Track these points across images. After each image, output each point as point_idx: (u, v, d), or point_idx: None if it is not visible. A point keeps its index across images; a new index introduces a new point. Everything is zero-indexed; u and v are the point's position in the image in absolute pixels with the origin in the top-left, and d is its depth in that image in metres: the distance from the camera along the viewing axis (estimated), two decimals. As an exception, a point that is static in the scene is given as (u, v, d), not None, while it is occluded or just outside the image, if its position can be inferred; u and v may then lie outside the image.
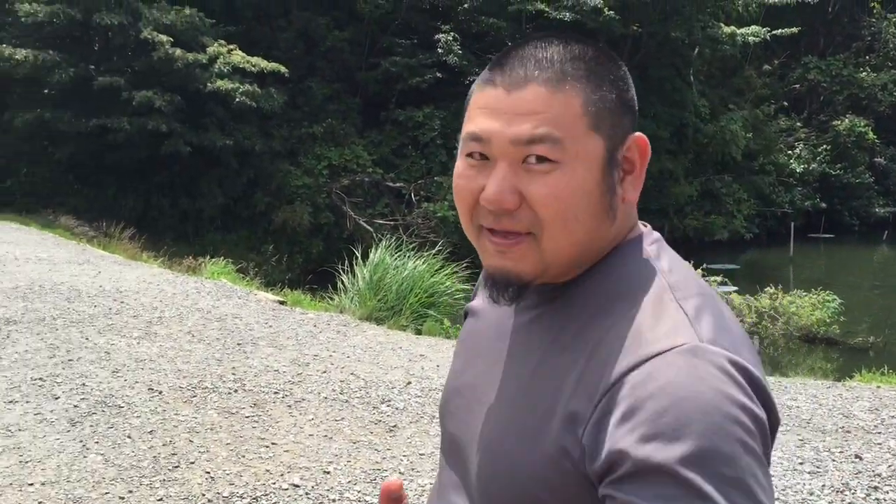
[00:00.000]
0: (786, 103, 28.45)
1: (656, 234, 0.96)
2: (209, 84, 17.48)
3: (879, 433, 4.59)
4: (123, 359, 5.41)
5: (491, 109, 0.88)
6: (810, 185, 26.40)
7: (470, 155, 0.89)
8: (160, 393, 4.72)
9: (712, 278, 12.81)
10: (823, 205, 26.20)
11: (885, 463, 4.08)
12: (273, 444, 4.06)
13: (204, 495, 3.44)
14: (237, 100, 17.59)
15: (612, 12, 19.64)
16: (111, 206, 18.25)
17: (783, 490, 3.71)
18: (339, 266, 8.55)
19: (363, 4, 20.90)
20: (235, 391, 4.84)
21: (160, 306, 7.12)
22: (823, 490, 3.72)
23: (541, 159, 0.85)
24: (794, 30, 23.50)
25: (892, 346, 11.50)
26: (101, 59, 17.91)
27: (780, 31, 23.00)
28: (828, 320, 11.52)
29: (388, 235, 11.05)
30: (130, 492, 3.45)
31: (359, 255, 8.47)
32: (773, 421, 0.80)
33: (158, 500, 3.39)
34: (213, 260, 10.59)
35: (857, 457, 4.16)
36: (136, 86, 17.08)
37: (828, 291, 12.24)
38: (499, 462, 0.88)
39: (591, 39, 0.95)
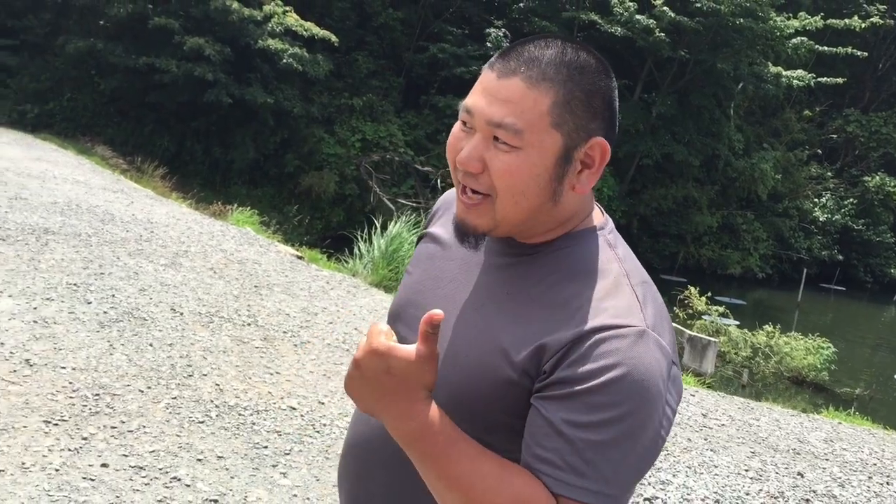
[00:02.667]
0: (820, 151, 28.54)
1: (612, 225, 1.18)
2: (260, 41, 17.88)
3: (827, 459, 4.97)
4: (150, 280, 5.86)
5: (483, 88, 1.07)
6: (830, 236, 26.51)
7: (464, 122, 1.10)
8: (181, 314, 5.17)
9: (714, 308, 13.14)
10: (840, 257, 26.29)
11: (823, 483, 4.47)
12: (277, 373, 4.49)
13: (212, 402, 3.88)
14: (284, 61, 17.98)
15: (662, 34, 19.87)
16: (146, 143, 18.72)
17: (722, 487, 4.10)
18: (359, 234, 8.98)
19: (421, -13, 21.27)
20: (248, 325, 5.28)
21: (186, 241, 7.57)
22: (759, 494, 4.11)
23: (502, 141, 1.05)
24: (840, 80, 23.64)
25: (876, 402, 11.71)
26: (159, -1, 18.36)
27: (825, 79, 23.14)
28: (819, 366, 11.76)
29: (410, 214, 11.44)
30: (149, 387, 3.89)
31: (378, 226, 8.89)
32: (678, 399, 1.10)
33: (172, 398, 3.83)
34: (241, 208, 11.03)
35: (799, 474, 4.55)
36: (189, 31, 17.50)
37: (824, 339, 12.47)
38: (468, 371, 1.09)
39: (590, 50, 1.09)
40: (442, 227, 1.30)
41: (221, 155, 19.38)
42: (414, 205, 19.32)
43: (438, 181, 20.55)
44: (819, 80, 22.92)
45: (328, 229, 19.17)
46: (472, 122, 1.08)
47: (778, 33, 21.93)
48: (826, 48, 23.63)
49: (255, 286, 6.45)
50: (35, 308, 4.76)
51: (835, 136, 29.07)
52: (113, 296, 5.27)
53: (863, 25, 23.10)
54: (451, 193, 1.33)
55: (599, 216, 1.17)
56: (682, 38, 20.81)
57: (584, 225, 1.14)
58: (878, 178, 27.02)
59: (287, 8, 18.79)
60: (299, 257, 8.27)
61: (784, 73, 22.54)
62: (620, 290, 1.07)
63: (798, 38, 22.86)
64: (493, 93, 1.06)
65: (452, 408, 1.06)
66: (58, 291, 5.15)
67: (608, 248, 1.13)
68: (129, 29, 18.39)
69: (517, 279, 1.13)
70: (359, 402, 1.05)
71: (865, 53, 24.27)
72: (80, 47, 17.72)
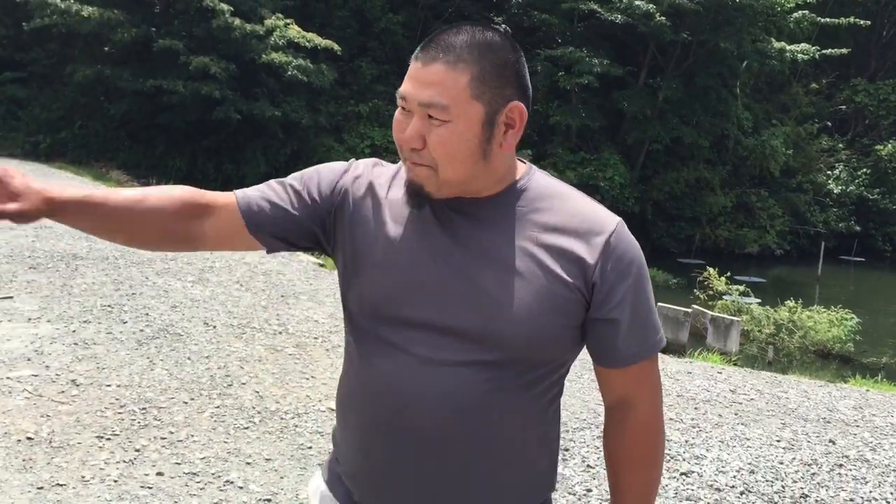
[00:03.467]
0: (829, 123, 28.42)
1: (537, 168, 1.39)
2: (264, 55, 18.05)
3: (857, 426, 5.04)
4: (180, 297, 6.00)
5: (411, 77, 1.24)
6: (846, 208, 26.38)
7: (401, 107, 1.26)
8: (214, 327, 5.30)
9: (735, 287, 13.17)
10: (858, 228, 26.15)
11: (854, 448, 4.53)
12: (312, 377, 4.61)
13: (254, 408, 4.00)
14: (289, 73, 18.15)
15: (663, 18, 19.86)
16: (158, 164, 18.94)
17: (756, 458, 4.18)
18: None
19: (419, -11, 21.38)
20: (280, 333, 5.41)
21: (210, 257, 7.71)
22: (793, 462, 4.19)
23: (433, 118, 1.22)
24: (845, 51, 23.55)
25: (903, 369, 11.65)
26: (162, 22, 18.55)
27: (830, 50, 23.06)
28: (843, 338, 11.74)
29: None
30: (193, 399, 4.02)
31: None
32: None
33: (216, 407, 3.96)
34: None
35: (830, 441, 4.62)
36: (194, 51, 17.69)
37: (847, 310, 12.46)
38: (532, 309, 1.24)
39: (497, 30, 1.27)
40: (394, 194, 1.35)
41: (233, 171, 19.56)
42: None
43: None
44: (823, 52, 22.84)
45: (344, 236, 19.33)
46: (408, 106, 1.25)
47: (779, 8, 21.87)
48: (828, 20, 23.54)
49: (282, 296, 6.58)
50: (74, 331, 4.90)
51: (843, 107, 28.93)
52: (147, 314, 5.41)
53: (863, -6, 23.01)
54: (377, 162, 1.43)
55: (524, 162, 1.38)
56: (683, 21, 20.78)
57: (520, 173, 1.35)
58: (890, 145, 26.86)
59: (288, 20, 18.95)
60: (321, 265, 8.41)
61: (788, 47, 22.47)
62: (585, 200, 1.34)
63: (799, 11, 22.79)
64: (419, 78, 1.23)
65: (530, 350, 1.26)
66: (93, 314, 5.29)
67: (549, 178, 1.37)
68: (135, 53, 18.62)
69: (503, 228, 1.30)
70: None
71: (868, 22, 24.17)
72: (88, 75, 17.95)
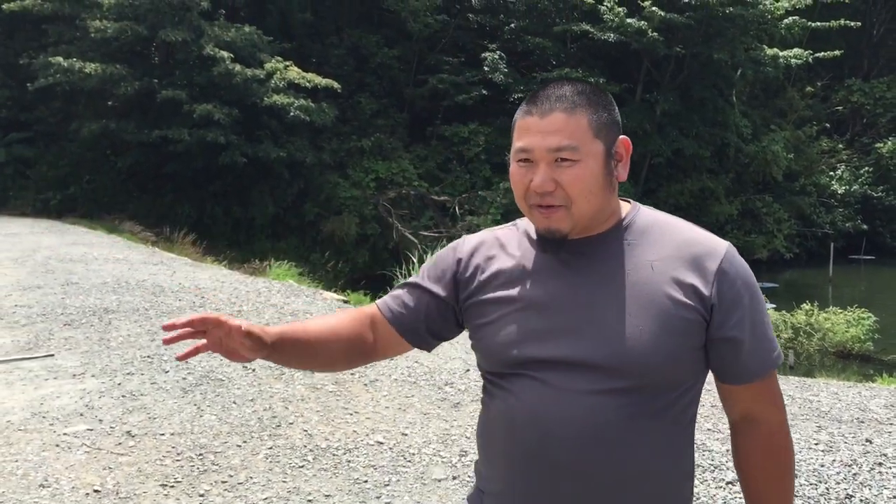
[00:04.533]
0: (828, 125, 28.62)
1: (641, 204, 1.52)
2: (266, 98, 18.30)
3: (892, 424, 5.12)
4: (214, 343, 6.11)
5: (531, 130, 1.39)
6: (852, 207, 26.49)
7: (520, 161, 1.41)
8: (254, 371, 5.42)
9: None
10: (865, 226, 26.24)
11: (892, 446, 4.61)
12: (356, 412, 4.71)
13: (305, 446, 4.11)
14: (291, 114, 18.39)
15: (655, 34, 20.11)
16: (167, 212, 19.14)
17: (797, 463, 4.26)
18: (397, 270, 9.24)
19: (412, 23, 21.67)
20: (317, 372, 5.52)
21: (237, 301, 7.85)
22: (833, 464, 4.27)
23: (565, 160, 1.37)
24: (838, 53, 23.79)
25: (926, 364, 11.65)
26: (163, 73, 18.84)
27: (822, 53, 23.29)
28: (862, 337, 11.77)
29: (433, 247, 11.68)
30: (245, 441, 4.13)
31: (415, 261, 9.14)
32: None
33: (269, 448, 4.06)
34: (278, 263, 11.31)
35: (867, 441, 4.70)
36: (197, 99, 17.95)
37: (863, 309, 12.50)
38: (657, 336, 1.35)
39: (587, 81, 1.52)
40: (507, 261, 1.50)
41: (242, 213, 19.77)
42: (436, 235, 19.58)
43: (456, 208, 20.84)
44: (816, 55, 23.06)
45: (355, 271, 19.44)
46: (532, 157, 1.39)
47: (769, 16, 22.12)
48: (819, 23, 23.79)
49: (312, 335, 6.69)
50: (119, 384, 5.02)
51: (840, 107, 29.15)
52: (187, 363, 5.52)
53: (851, -5, 23.27)
54: (474, 238, 1.57)
55: (627, 204, 1.52)
56: (675, 35, 21.04)
57: (625, 211, 1.48)
58: (890, 142, 27.02)
59: (287, 62, 19.23)
60: (345, 301, 8.53)
61: (781, 53, 22.71)
62: (692, 227, 1.46)
63: (790, 17, 23.04)
64: (542, 129, 1.38)
65: (659, 374, 1.36)
66: (135, 365, 5.42)
67: (650, 210, 1.50)
68: (138, 105, 18.90)
69: (619, 261, 1.42)
70: None
71: (859, 23, 24.41)
72: (94, 129, 18.19)
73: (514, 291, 1.45)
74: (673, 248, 1.42)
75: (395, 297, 1.60)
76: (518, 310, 1.44)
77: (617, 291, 1.39)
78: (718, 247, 1.42)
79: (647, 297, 1.38)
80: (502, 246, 1.52)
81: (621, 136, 1.45)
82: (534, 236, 1.49)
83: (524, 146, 1.40)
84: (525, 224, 1.53)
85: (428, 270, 1.59)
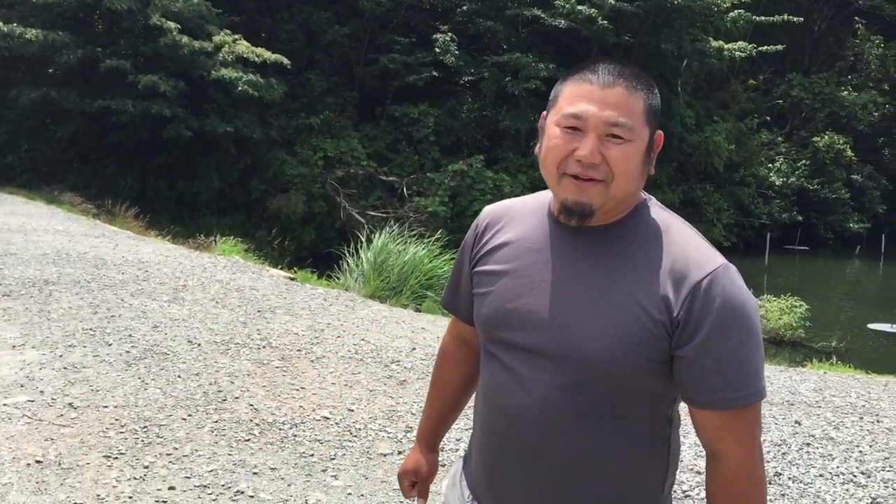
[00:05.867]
0: (768, 118, 29.30)
1: (654, 199, 1.46)
2: (213, 72, 17.97)
3: (819, 407, 5.34)
4: (159, 317, 6.07)
5: (588, 97, 1.34)
6: (788, 199, 27.20)
7: (568, 127, 1.34)
8: (199, 345, 5.39)
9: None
10: (800, 218, 26.98)
11: (819, 428, 4.82)
12: (302, 388, 4.74)
13: (251, 420, 4.13)
14: (239, 88, 18.08)
15: (605, 22, 20.32)
16: (110, 184, 18.72)
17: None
18: (345, 249, 9.25)
19: (364, 1, 21.49)
20: (263, 347, 5.52)
21: (182, 276, 7.77)
22: (765, 443, 4.45)
23: (616, 136, 1.33)
24: (780, 47, 24.33)
25: (853, 352, 12.06)
26: (107, 42, 18.36)
27: (766, 47, 23.80)
28: (794, 324, 12.16)
29: (380, 227, 11.68)
30: (190, 415, 4.13)
31: (363, 240, 9.16)
32: None
33: (214, 422, 4.07)
34: (224, 239, 11.20)
35: (796, 422, 4.90)
36: (142, 70, 17.56)
37: (796, 298, 12.90)
38: (614, 337, 1.31)
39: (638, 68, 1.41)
40: (511, 233, 1.50)
41: (186, 188, 19.44)
42: (383, 215, 19.54)
43: (404, 189, 20.80)
44: (760, 49, 23.58)
45: (301, 249, 19.31)
46: (583, 126, 1.34)
47: (715, 8, 22.51)
48: (763, 18, 24.28)
49: (259, 311, 6.68)
50: (61, 356, 4.95)
51: (781, 101, 29.83)
52: (130, 335, 5.47)
53: (795, -8, 23.77)
54: (492, 209, 1.59)
55: (640, 195, 1.47)
56: (624, 24, 21.28)
57: (640, 199, 1.45)
58: (826, 137, 27.80)
59: (236, 36, 18.91)
60: (292, 279, 8.51)
61: (726, 46, 23.16)
62: (699, 242, 1.38)
63: (735, 11, 23.47)
64: (601, 100, 1.34)
65: (612, 377, 1.33)
66: (77, 337, 5.35)
67: (666, 212, 1.45)
68: (81, 74, 18.41)
69: (611, 255, 1.38)
70: None
71: (801, 19, 25.00)
72: (33, 97, 17.68)
73: (507, 266, 1.46)
74: (664, 255, 1.36)
75: (449, 289, 1.68)
76: (505, 287, 1.45)
77: (597, 287, 1.37)
78: (707, 264, 1.34)
79: (620, 301, 1.34)
80: (514, 217, 1.52)
81: (659, 131, 1.42)
82: (553, 211, 1.46)
83: (578, 112, 1.34)
84: (549, 197, 1.49)
85: (463, 244, 1.64)
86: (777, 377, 6.15)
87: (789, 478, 4.01)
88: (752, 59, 24.78)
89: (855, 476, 4.09)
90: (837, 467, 4.19)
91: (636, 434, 1.39)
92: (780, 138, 28.93)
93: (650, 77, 1.41)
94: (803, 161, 27.82)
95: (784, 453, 4.33)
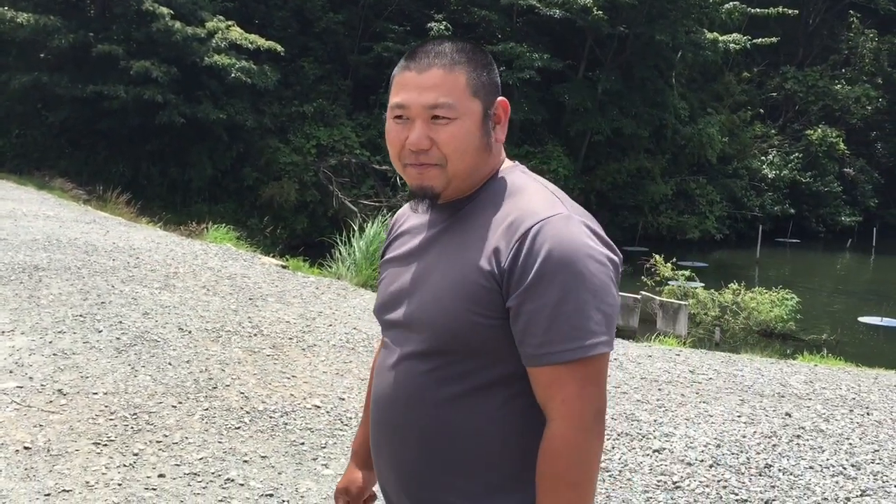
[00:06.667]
0: (762, 110, 29.33)
1: (522, 166, 1.45)
2: (206, 58, 17.88)
3: (810, 399, 5.36)
4: (150, 304, 6.04)
5: (408, 85, 1.35)
6: (781, 191, 27.26)
7: (397, 117, 1.37)
8: (189, 332, 5.37)
9: (680, 273, 13.60)
10: (792, 211, 27.05)
11: (809, 420, 4.84)
12: (293, 376, 4.73)
13: (242, 408, 4.12)
14: (232, 75, 17.99)
15: (600, 12, 20.28)
16: (101, 170, 18.61)
17: (720, 434, 4.45)
18: (338, 238, 9.22)
19: (359, -11, 21.40)
20: (255, 335, 5.50)
21: (173, 263, 7.73)
22: (755, 435, 4.46)
23: (441, 118, 1.33)
24: (774, 40, 24.33)
25: (844, 344, 12.14)
26: (100, 26, 18.24)
27: (760, 40, 23.80)
28: (785, 317, 12.22)
29: (373, 216, 11.66)
30: (180, 402, 4.11)
31: (356, 229, 9.13)
32: (618, 259, 1.36)
33: (204, 409, 4.06)
34: (216, 226, 11.16)
35: (787, 414, 4.92)
36: (134, 55, 17.45)
37: (787, 290, 12.95)
38: (450, 297, 1.31)
39: (469, 41, 1.42)
40: (406, 225, 1.55)
41: (179, 175, 19.36)
42: (376, 204, 19.50)
43: (397, 179, 20.76)
44: (754, 41, 23.58)
45: (293, 237, 19.26)
46: (407, 114, 1.35)
47: (710, 0, 22.49)
48: (758, 10, 24.29)
49: (250, 298, 6.66)
50: (50, 342, 4.93)
51: (774, 94, 29.87)
52: (120, 322, 5.45)
53: (790, -16, 23.78)
54: (403, 208, 1.62)
55: (508, 161, 1.46)
56: (619, 14, 21.24)
57: (502, 166, 1.44)
58: (819, 130, 27.85)
59: (230, 22, 18.81)
60: (284, 267, 8.48)
61: (720, 38, 23.15)
62: (544, 195, 1.35)
63: (730, 2, 23.46)
64: (419, 85, 1.35)
65: (451, 338, 1.32)
66: (67, 324, 5.32)
67: (525, 175, 1.43)
68: (73, 59, 18.29)
69: (462, 225, 1.39)
70: None
71: (796, 11, 24.99)
72: (25, 82, 17.55)
73: (394, 254, 1.51)
74: (503, 213, 1.34)
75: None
76: (389, 274, 1.50)
77: (449, 255, 1.37)
78: (540, 213, 1.30)
79: (461, 262, 1.34)
80: (411, 210, 1.54)
81: (500, 98, 1.40)
82: None
83: (400, 102, 1.36)
84: None
85: None
86: (768, 369, 6.16)
87: (779, 469, 4.03)
88: (747, 51, 24.78)
89: (845, 468, 4.11)
90: (827, 459, 4.20)
91: (492, 399, 1.33)
92: (773, 131, 28.98)
93: (480, 49, 1.40)
94: (796, 154, 27.87)
95: (774, 445, 4.34)
